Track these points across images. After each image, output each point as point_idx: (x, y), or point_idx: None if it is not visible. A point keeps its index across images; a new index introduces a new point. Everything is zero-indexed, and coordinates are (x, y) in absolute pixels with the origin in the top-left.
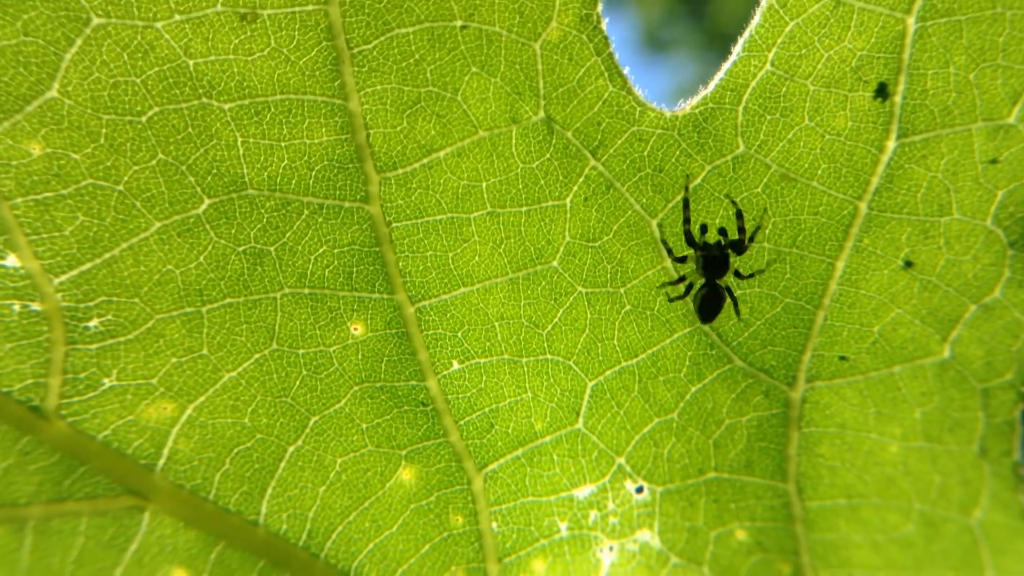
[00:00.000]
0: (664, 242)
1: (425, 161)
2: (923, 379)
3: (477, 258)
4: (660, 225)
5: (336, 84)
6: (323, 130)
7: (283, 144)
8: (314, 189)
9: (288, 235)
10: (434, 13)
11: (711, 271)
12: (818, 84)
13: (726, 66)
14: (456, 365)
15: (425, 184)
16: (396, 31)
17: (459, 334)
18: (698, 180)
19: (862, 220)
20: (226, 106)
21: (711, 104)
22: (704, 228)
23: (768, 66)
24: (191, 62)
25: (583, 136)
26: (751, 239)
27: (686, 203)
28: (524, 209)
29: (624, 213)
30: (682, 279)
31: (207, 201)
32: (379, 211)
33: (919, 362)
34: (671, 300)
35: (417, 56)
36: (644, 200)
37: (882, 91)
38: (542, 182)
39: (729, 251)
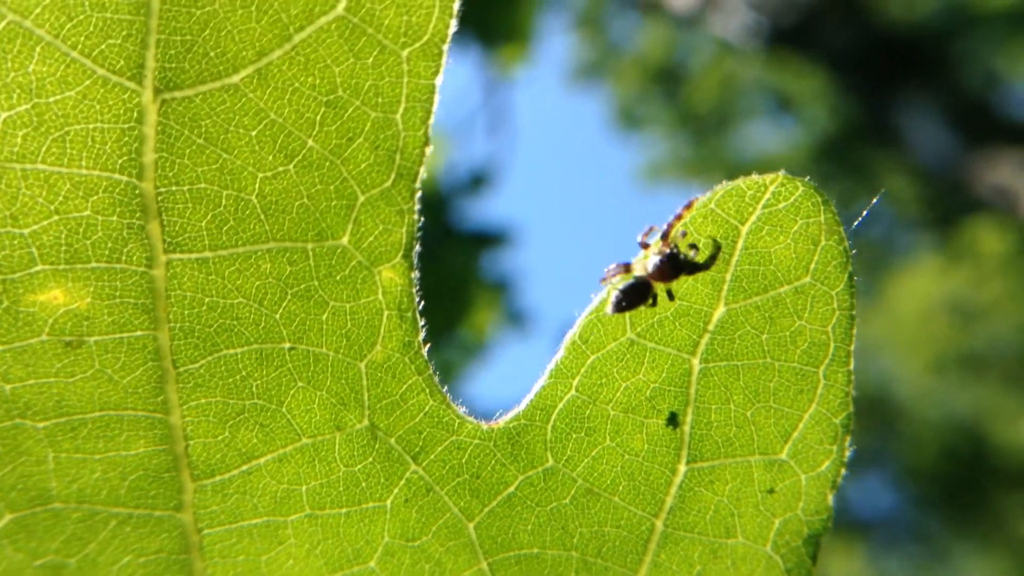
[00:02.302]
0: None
1: (245, 468)
2: None
3: (291, 561)
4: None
5: (159, 400)
6: (141, 442)
7: (97, 457)
8: (124, 499)
9: (91, 546)
10: (263, 336)
11: (660, 269)
12: (618, 410)
13: (535, 389)
14: None
15: (243, 489)
16: (224, 352)
17: None
18: (512, 488)
19: (659, 536)
20: (40, 425)
21: (523, 420)
22: (680, 234)
23: (573, 391)
24: (8, 387)
25: (405, 443)
26: (706, 267)
27: (678, 215)
28: (344, 511)
29: (443, 515)
30: (627, 270)
31: (8, 516)
32: (191, 519)
33: None
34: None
35: (244, 373)
36: (462, 504)
37: (673, 420)
38: (363, 484)
39: (679, 261)
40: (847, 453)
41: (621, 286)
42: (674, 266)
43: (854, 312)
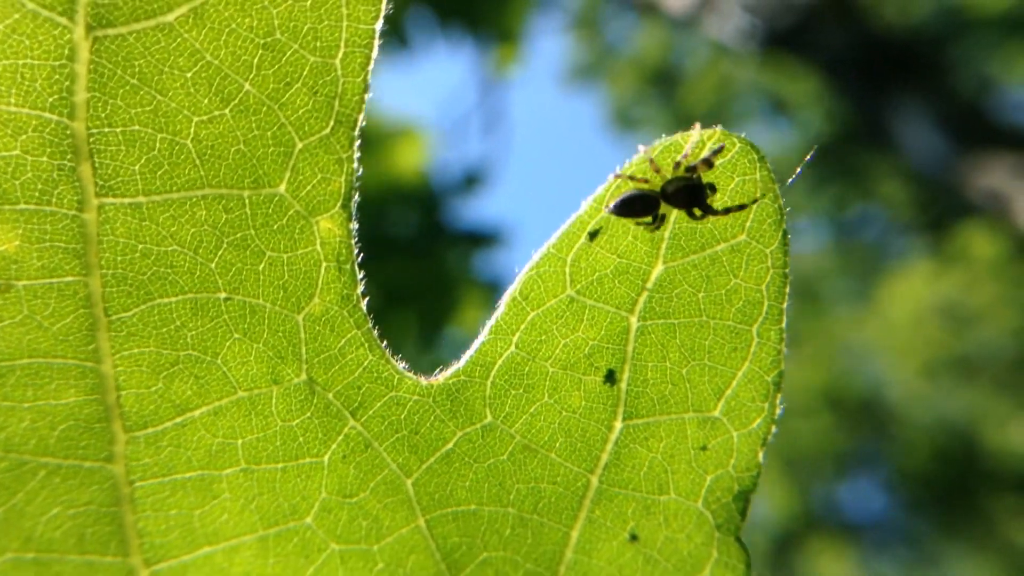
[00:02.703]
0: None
1: (179, 420)
2: None
3: (226, 515)
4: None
5: (90, 348)
6: (71, 391)
7: (25, 405)
8: (54, 450)
9: (19, 496)
10: (198, 285)
11: (676, 192)
12: (556, 366)
13: (475, 345)
14: None
15: (176, 442)
16: (158, 300)
17: None
18: (450, 445)
19: (594, 493)
20: None
21: (463, 376)
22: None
23: (512, 348)
24: None
25: (344, 398)
26: (718, 213)
27: (706, 159)
28: (280, 466)
29: (381, 471)
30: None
31: None
32: (123, 470)
33: None
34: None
35: (178, 323)
36: (400, 460)
37: (610, 377)
38: (301, 439)
39: (700, 196)
40: (777, 411)
41: (632, 191)
42: (693, 198)
43: (787, 270)
